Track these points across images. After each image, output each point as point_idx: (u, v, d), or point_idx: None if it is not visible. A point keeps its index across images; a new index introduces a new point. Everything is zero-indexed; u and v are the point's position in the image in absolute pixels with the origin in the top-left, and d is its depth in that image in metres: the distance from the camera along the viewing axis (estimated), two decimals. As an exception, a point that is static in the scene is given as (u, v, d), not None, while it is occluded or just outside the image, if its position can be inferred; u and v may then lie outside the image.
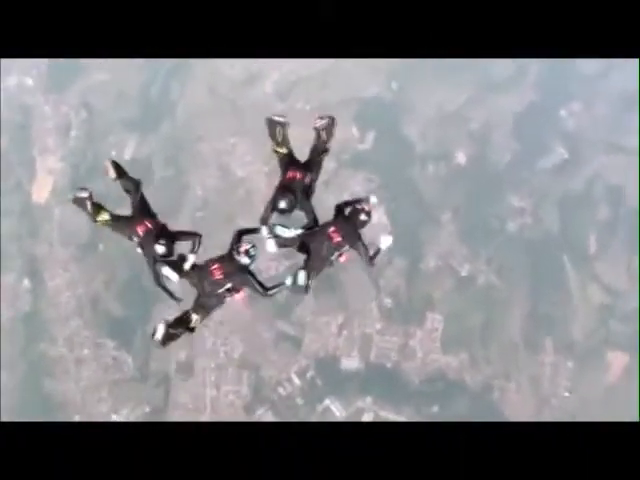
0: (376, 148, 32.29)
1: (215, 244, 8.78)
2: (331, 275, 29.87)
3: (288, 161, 7.47)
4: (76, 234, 32.26)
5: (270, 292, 7.35)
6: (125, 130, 33.98)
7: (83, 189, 7.63)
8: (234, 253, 7.25)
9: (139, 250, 7.58)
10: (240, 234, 7.52)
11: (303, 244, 7.01)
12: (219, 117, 33.11)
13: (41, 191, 34.12)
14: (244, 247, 7.32)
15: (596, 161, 33.22)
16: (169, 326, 7.42)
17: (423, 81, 33.28)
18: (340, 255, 7.22)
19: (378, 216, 31.73)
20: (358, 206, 7.25)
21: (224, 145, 32.81)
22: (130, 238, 7.47)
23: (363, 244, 7.43)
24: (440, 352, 30.38)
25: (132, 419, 29.89)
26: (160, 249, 7.16)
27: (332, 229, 7.02)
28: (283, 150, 7.43)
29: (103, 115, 34.72)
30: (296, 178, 7.20)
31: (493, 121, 33.06)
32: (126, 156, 33.26)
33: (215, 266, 7.18)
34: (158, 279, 7.67)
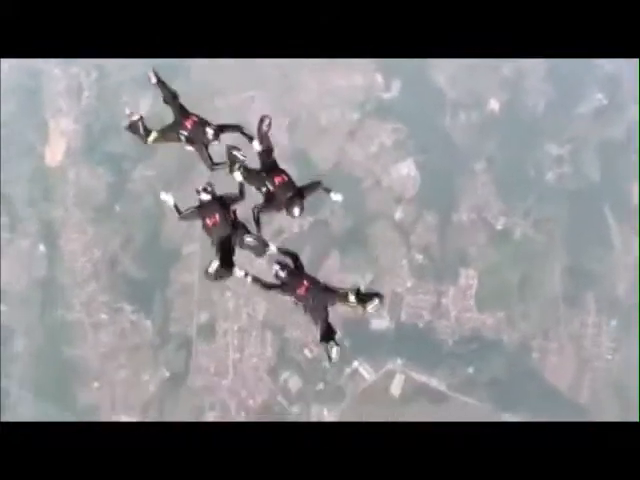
0: (403, 96, 30.49)
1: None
2: (359, 229, 28.32)
3: (266, 169, 7.41)
4: (92, 196, 31.14)
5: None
6: (138, 88, 32.55)
7: (133, 113, 7.73)
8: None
9: (188, 147, 7.76)
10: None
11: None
12: (233, 71, 31.53)
13: (55, 154, 32.94)
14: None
15: (636, 107, 31.09)
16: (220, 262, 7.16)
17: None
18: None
19: (407, 169, 30.17)
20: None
21: (241, 99, 31.26)
22: (179, 138, 7.62)
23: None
24: (475, 310, 28.68)
25: (152, 386, 28.81)
26: (210, 132, 7.55)
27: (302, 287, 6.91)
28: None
29: (114, 74, 33.39)
30: (285, 181, 7.14)
31: (525, 67, 31.05)
32: (141, 112, 31.91)
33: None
34: (211, 165, 7.90)
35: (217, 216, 7.09)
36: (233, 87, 31.31)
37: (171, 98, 7.73)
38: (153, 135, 7.55)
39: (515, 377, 28.63)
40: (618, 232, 29.98)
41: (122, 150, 31.55)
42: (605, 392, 28.98)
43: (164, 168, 30.57)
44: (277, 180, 7.07)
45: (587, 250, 29.52)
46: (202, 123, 7.52)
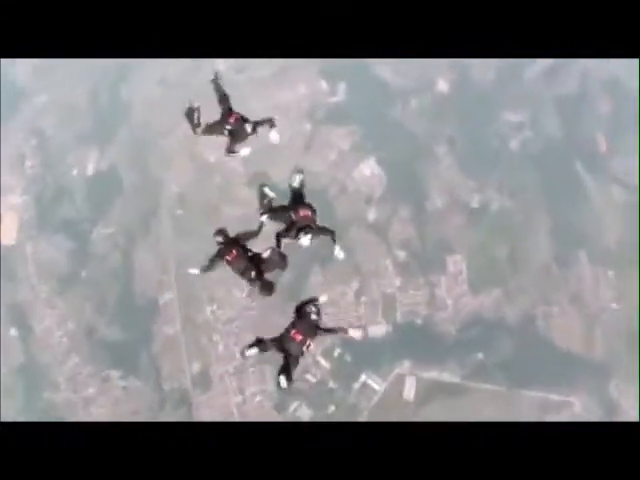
0: (350, 97, 29.79)
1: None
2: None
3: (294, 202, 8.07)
4: (54, 267, 29.62)
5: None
6: (82, 146, 31.40)
7: (194, 101, 8.64)
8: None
9: (228, 140, 8.60)
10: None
11: (280, 347, 7.45)
12: (176, 107, 30.57)
13: (8, 232, 31.40)
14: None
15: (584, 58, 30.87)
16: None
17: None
18: (308, 347, 7.43)
19: (370, 168, 29.37)
20: (307, 309, 7.61)
21: (189, 134, 30.20)
22: (222, 131, 8.57)
23: (326, 330, 7.64)
24: (470, 294, 27.74)
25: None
26: (249, 127, 8.44)
27: (294, 331, 7.42)
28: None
29: (55, 136, 32.18)
30: (307, 216, 7.83)
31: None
32: (89, 172, 30.74)
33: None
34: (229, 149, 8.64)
35: (234, 253, 7.96)
36: (176, 121, 30.30)
37: (223, 97, 8.69)
38: (201, 128, 8.59)
39: (526, 350, 27.69)
40: (594, 183, 29.52)
41: (76, 213, 30.25)
42: (619, 342, 28.12)
43: (123, 222, 29.37)
44: (302, 213, 7.72)
45: (567, 208, 28.96)
46: (243, 120, 8.50)
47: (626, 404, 28.16)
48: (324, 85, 30.01)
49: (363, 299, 27.51)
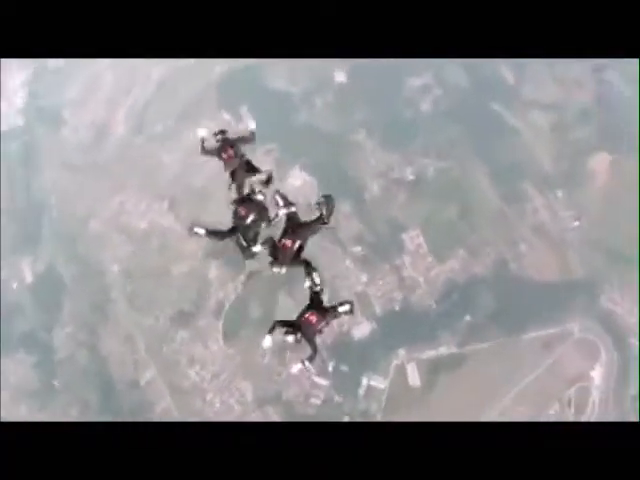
0: (256, 118, 29.36)
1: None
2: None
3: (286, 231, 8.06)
4: (26, 386, 28.37)
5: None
6: (13, 256, 30.29)
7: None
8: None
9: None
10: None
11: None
12: (90, 187, 29.82)
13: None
14: None
15: None
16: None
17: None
18: (324, 327, 7.65)
19: (299, 178, 29.03)
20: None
21: (112, 209, 29.47)
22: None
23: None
24: (437, 264, 27.50)
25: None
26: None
27: (307, 315, 7.69)
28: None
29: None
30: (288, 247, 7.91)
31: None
32: (28, 280, 29.68)
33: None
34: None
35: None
36: (102, 202, 29.60)
37: (240, 153, 8.19)
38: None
39: (509, 297, 27.56)
40: (513, 116, 29.70)
41: (30, 324, 29.12)
42: (593, 256, 28.18)
43: (78, 317, 28.38)
44: (286, 243, 7.79)
45: (498, 148, 29.05)
46: (247, 166, 8.14)
47: (622, 310, 28.21)
48: (227, 116, 29.62)
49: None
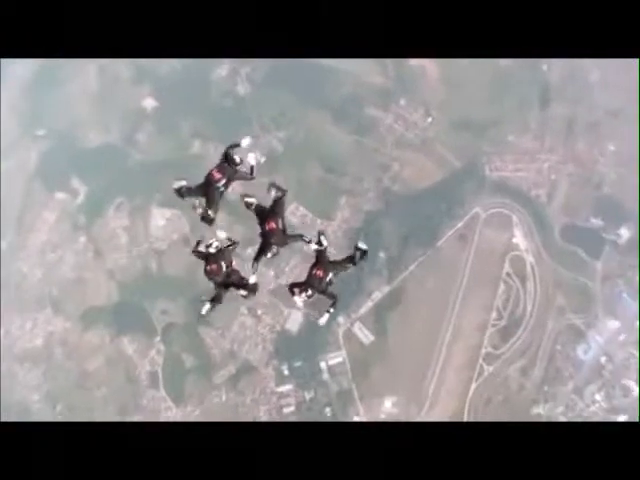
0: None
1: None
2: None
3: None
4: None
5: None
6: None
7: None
8: None
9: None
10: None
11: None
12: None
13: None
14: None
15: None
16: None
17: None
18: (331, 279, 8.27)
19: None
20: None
21: (3, 344, 27.22)
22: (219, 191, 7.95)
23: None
24: (328, 222, 27.08)
25: None
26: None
27: (314, 271, 8.20)
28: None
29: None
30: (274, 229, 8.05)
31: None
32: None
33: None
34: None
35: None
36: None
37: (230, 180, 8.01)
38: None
39: (406, 216, 27.68)
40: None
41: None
42: (461, 137, 28.60)
43: (54, 382, 26.58)
44: (268, 226, 7.90)
45: (327, 92, 28.91)
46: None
47: (508, 172, 28.72)
48: (198, 146, 28.66)
49: (259, 313, 26.48)
